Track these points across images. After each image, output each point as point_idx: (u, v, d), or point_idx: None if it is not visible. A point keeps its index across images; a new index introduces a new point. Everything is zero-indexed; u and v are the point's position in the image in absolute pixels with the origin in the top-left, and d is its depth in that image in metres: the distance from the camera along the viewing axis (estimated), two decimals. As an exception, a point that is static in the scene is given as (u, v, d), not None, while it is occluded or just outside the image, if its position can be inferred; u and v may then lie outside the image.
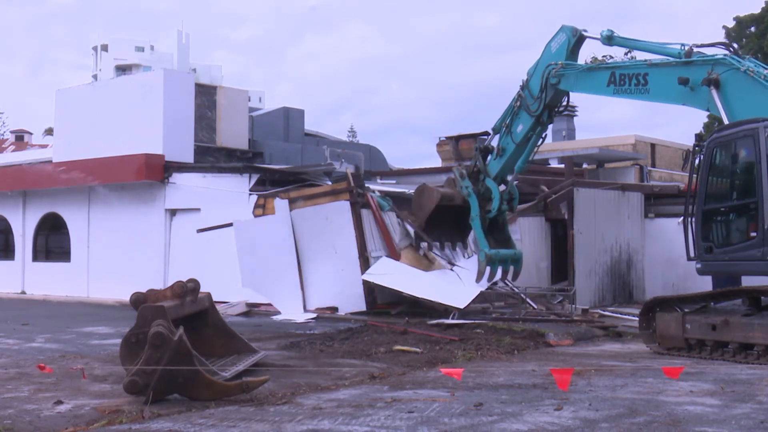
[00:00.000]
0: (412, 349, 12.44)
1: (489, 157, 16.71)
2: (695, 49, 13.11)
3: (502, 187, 16.59)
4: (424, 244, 18.15)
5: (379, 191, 19.47)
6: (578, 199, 19.30)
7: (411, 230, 19.38)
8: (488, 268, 16.47)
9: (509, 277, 16.90)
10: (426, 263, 18.21)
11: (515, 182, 16.83)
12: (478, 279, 16.65)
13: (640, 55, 14.03)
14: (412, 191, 20.55)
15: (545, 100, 15.33)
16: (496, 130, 16.46)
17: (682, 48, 13.20)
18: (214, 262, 19.97)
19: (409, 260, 18.16)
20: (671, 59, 13.32)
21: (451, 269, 17.73)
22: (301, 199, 18.85)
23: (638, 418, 7.57)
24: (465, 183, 16.74)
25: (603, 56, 14.49)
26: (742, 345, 11.27)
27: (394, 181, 21.49)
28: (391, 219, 19.23)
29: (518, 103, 15.81)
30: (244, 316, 18.36)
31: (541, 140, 16.14)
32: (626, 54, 14.02)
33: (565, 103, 15.75)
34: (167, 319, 8.42)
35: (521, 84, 15.87)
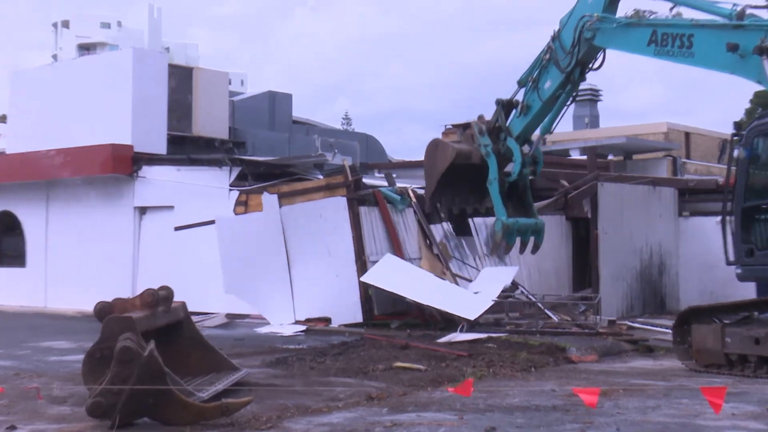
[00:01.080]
0: (414, 366, 12.42)
1: (512, 114, 16.36)
2: (748, 11, 12.70)
3: (526, 149, 16.34)
4: (437, 242, 18.13)
5: (400, 187, 19.42)
6: (603, 194, 19.28)
7: (438, 235, 19.35)
8: (504, 241, 16.10)
9: (528, 249, 16.70)
10: (440, 267, 18.22)
11: (541, 144, 16.63)
12: (494, 251, 16.62)
13: (687, 13, 13.77)
14: (415, 187, 20.54)
15: (577, 55, 15.00)
16: (522, 83, 16.14)
17: (734, 8, 12.77)
18: (191, 266, 19.93)
19: (427, 267, 18.18)
20: (721, 20, 12.90)
21: (466, 282, 17.72)
22: (292, 194, 18.83)
23: (673, 445, 7.54)
24: (484, 140, 16.38)
25: (644, 12, 14.22)
26: (791, 361, 11.24)
27: (394, 175, 21.44)
28: (406, 219, 19.22)
29: (547, 56, 15.49)
30: (225, 328, 18.33)
31: (570, 100, 15.87)
32: (671, 9, 13.60)
33: (600, 61, 15.38)
34: (136, 332, 8.38)
35: (552, 34, 15.52)
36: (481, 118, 16.82)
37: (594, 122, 43.48)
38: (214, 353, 10.58)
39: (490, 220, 20.53)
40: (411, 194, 19.42)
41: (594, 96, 43.96)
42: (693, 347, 12.23)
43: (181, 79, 26.02)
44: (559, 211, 21.37)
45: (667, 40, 13.67)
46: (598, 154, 26.34)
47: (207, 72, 27.11)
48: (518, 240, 16.40)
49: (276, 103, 30.94)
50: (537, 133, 16.47)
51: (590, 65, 15.43)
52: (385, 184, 19.93)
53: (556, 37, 15.51)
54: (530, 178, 16.66)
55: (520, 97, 16.13)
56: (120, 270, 21.72)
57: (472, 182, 16.96)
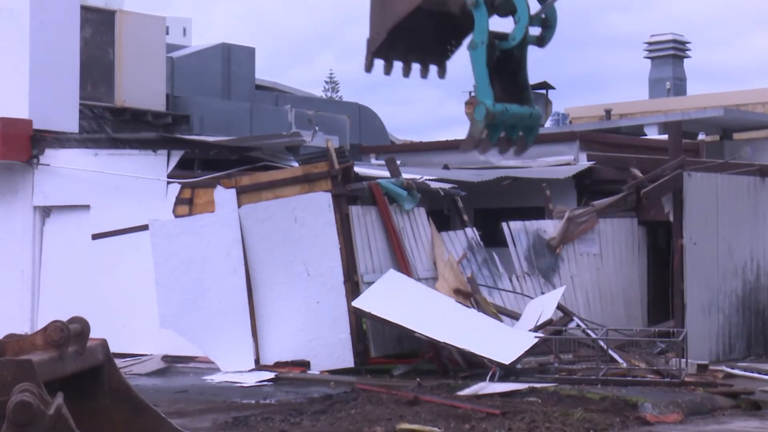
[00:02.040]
0: (426, 428, 12.44)
1: None
2: None
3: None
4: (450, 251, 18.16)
5: (407, 179, 19.44)
6: (691, 189, 19.30)
7: (460, 245, 19.35)
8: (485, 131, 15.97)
9: (511, 151, 16.65)
10: (465, 290, 18.26)
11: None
12: (467, 146, 16.32)
13: None
14: (424, 178, 20.56)
15: None
16: None
17: None
18: (114, 290, 19.94)
19: (449, 287, 18.20)
20: None
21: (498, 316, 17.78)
22: (255, 188, 18.87)
23: None
24: None
25: None
26: None
27: (399, 162, 21.50)
28: (417, 221, 19.24)
29: None
30: (161, 375, 18.34)
31: None
32: None
33: None
34: (37, 382, 8.37)
35: None
36: None
37: (679, 87, 43.50)
38: (146, 411, 10.56)
39: (532, 225, 20.66)
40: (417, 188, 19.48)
41: (679, 50, 43.93)
42: None
43: (99, 27, 26.07)
44: (628, 212, 21.40)
45: None
46: (684, 132, 26.34)
47: (135, 16, 27.16)
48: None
49: (232, 60, 30.99)
50: None
51: None
52: (387, 174, 19.97)
53: None
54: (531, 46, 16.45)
55: None
56: (14, 294, 21.70)
57: (440, 41, 16.78)
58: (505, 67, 16.05)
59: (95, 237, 20.60)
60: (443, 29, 16.98)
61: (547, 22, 15.99)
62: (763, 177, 20.88)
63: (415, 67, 17.42)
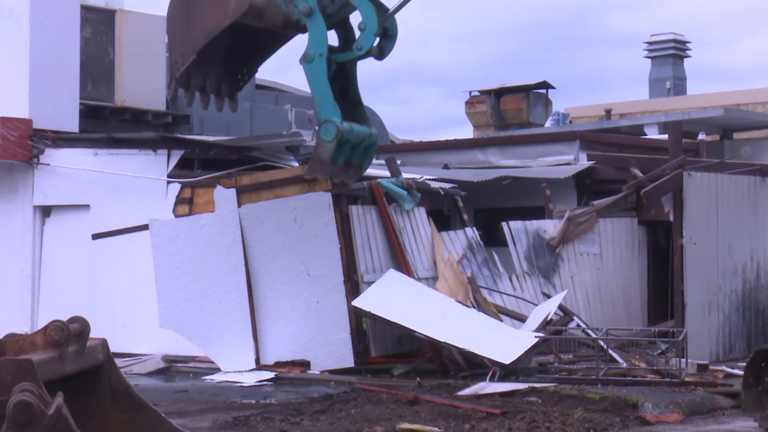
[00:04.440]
0: (426, 428, 12.46)
1: None
2: None
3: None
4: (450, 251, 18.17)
5: (408, 179, 19.44)
6: (691, 189, 19.29)
7: (460, 245, 19.36)
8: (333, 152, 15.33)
9: (348, 175, 16.21)
10: (465, 290, 18.27)
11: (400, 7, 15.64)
12: (312, 172, 15.68)
13: None
14: (424, 178, 20.56)
15: None
16: None
17: None
18: (114, 290, 19.94)
19: (449, 287, 18.20)
20: None
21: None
22: (255, 188, 18.86)
23: None
24: None
25: None
26: None
27: (399, 162, 21.49)
28: (417, 221, 19.23)
29: None
30: (161, 375, 18.36)
31: None
32: None
33: None
34: (37, 382, 8.37)
35: None
36: None
37: (679, 87, 43.47)
38: (146, 411, 10.56)
39: (532, 225, 20.66)
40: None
41: (679, 50, 43.90)
42: None
43: (99, 26, 26.04)
44: (628, 211, 21.38)
45: None
46: (684, 131, 26.34)
47: (136, 16, 27.12)
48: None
49: (233, 60, 30.98)
50: None
51: None
52: (387, 174, 19.97)
53: None
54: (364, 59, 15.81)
55: None
56: (14, 293, 21.70)
57: (241, 58, 16.30)
58: (334, 83, 15.48)
59: (95, 237, 20.60)
60: (240, 53, 16.34)
61: (387, 31, 15.55)
62: (764, 177, 20.86)
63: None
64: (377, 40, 15.57)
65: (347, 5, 15.49)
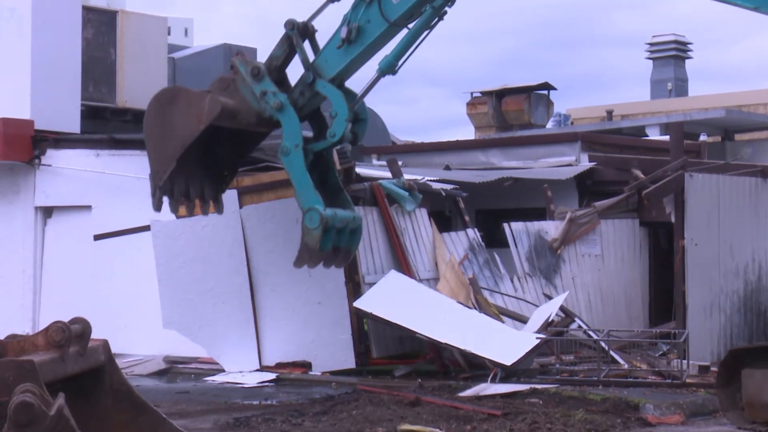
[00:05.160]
0: (427, 429, 12.46)
1: (325, 46, 15.88)
2: None
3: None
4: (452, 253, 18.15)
5: (409, 180, 19.43)
6: (692, 190, 19.31)
7: (461, 246, 19.36)
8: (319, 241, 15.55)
9: (337, 261, 16.42)
10: (466, 292, 18.27)
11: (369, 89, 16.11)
12: (301, 261, 15.81)
13: None
14: (426, 179, 20.55)
15: None
16: None
17: None
18: (115, 290, 19.95)
19: (450, 288, 18.20)
20: None
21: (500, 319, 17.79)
22: (257, 189, 18.86)
23: None
24: (265, 86, 15.69)
25: None
26: None
27: (400, 163, 21.50)
28: (418, 222, 19.22)
29: None
30: (163, 376, 18.38)
31: (436, 21, 15.57)
32: None
33: None
34: (39, 383, 8.37)
35: None
36: (241, 54, 16.35)
37: (681, 88, 43.47)
38: (148, 412, 10.56)
39: (534, 226, 20.65)
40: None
41: (681, 51, 43.89)
42: (744, 399, 12.47)
43: (100, 27, 26.05)
44: (630, 213, 21.36)
45: None
46: (686, 133, 26.35)
47: (137, 17, 27.14)
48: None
49: (234, 61, 30.95)
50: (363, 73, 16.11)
51: None
52: (388, 175, 19.98)
53: None
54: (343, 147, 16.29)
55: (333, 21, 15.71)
56: (15, 294, 21.73)
57: (222, 160, 16.63)
58: (313, 171, 15.86)
59: (97, 238, 20.62)
60: (220, 155, 16.72)
61: (358, 116, 16.04)
62: (765, 178, 20.88)
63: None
64: (349, 125, 15.88)
65: (317, 95, 15.92)
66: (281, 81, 16.09)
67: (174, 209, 16.72)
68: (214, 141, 16.52)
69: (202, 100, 15.55)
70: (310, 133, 16.56)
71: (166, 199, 16.35)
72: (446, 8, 15.63)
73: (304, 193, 15.59)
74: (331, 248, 15.93)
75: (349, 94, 15.98)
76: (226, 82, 16.02)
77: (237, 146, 16.97)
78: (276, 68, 16.06)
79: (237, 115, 15.88)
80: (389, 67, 15.81)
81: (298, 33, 15.94)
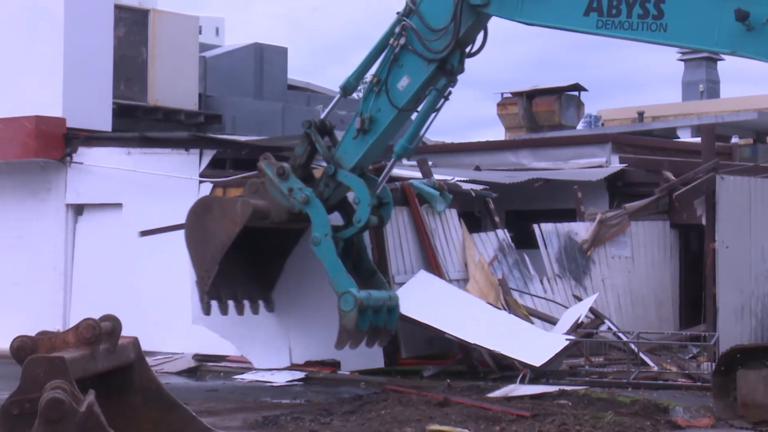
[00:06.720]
0: (455, 430, 12.44)
1: (343, 138, 16.60)
2: None
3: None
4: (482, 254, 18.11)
5: (439, 180, 19.43)
6: (724, 192, 19.16)
7: (491, 246, 19.35)
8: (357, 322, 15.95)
9: (379, 339, 16.75)
10: (494, 291, 18.24)
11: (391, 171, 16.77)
12: (342, 342, 16.23)
13: None
14: (456, 179, 20.51)
15: (458, 31, 15.10)
16: (349, 89, 16.70)
17: None
18: (145, 288, 19.98)
19: (479, 288, 18.16)
20: None
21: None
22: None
23: None
24: (293, 183, 16.34)
25: None
26: None
27: (431, 163, 21.44)
28: (448, 222, 19.19)
29: (399, 42, 15.68)
30: (192, 374, 18.41)
31: (442, 102, 16.07)
32: None
33: (480, 42, 15.60)
34: (69, 379, 8.38)
35: (405, 7, 15.67)
36: (268, 156, 16.98)
37: (712, 90, 43.35)
38: (177, 409, 10.58)
39: (564, 227, 20.57)
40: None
41: (712, 54, 43.72)
42: (739, 399, 12.49)
43: (132, 26, 26.14)
44: (660, 215, 21.29)
45: (619, 5, 13.71)
46: (718, 135, 26.24)
47: (169, 16, 27.22)
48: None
49: (265, 60, 30.99)
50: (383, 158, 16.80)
51: (470, 48, 15.67)
52: (419, 175, 19.94)
53: (411, 10, 15.59)
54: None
55: (348, 111, 16.54)
56: (46, 291, 21.81)
57: (258, 259, 17.41)
58: (346, 256, 16.45)
59: (143, 234, 20.67)
60: (263, 254, 17.50)
61: (382, 200, 16.50)
62: (797, 180, 20.74)
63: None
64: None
65: (340, 186, 16.46)
66: (307, 177, 16.76)
67: (224, 312, 17.21)
68: (256, 246, 17.26)
69: (235, 205, 16.28)
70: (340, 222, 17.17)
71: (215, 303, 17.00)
72: (450, 89, 16.08)
73: (338, 278, 16.04)
74: (371, 328, 16.27)
75: (370, 181, 16.48)
76: (256, 186, 16.66)
77: (278, 247, 17.70)
78: (300, 166, 16.69)
79: (269, 214, 16.48)
80: (404, 151, 16.32)
81: (316, 130, 16.62)
